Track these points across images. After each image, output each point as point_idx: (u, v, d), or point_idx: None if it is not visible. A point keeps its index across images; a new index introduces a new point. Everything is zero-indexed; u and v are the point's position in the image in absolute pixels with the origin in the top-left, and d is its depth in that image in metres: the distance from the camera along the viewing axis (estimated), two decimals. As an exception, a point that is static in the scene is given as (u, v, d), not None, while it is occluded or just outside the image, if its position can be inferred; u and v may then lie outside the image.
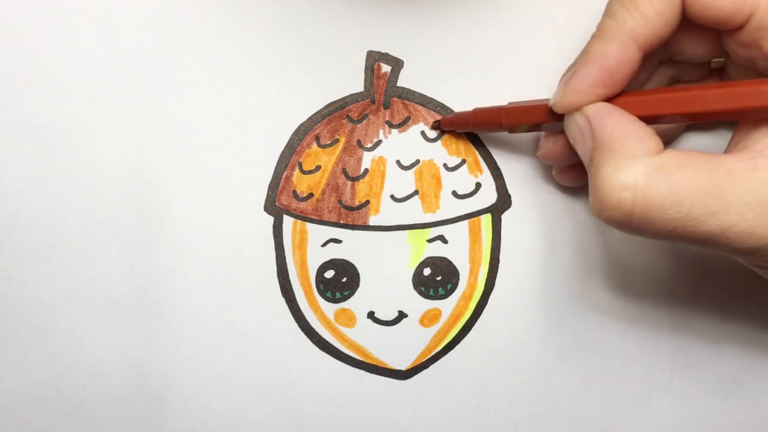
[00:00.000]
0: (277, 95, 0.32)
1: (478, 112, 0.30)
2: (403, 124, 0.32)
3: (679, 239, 0.24)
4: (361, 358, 0.33)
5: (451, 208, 0.32)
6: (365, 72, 0.32)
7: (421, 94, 0.32)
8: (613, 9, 0.25)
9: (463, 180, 0.32)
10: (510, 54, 0.32)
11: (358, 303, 0.33)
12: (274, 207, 0.32)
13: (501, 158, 0.32)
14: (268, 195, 0.32)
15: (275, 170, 0.32)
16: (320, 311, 0.33)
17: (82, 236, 0.32)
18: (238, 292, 0.32)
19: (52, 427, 0.33)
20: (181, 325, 0.32)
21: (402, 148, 0.32)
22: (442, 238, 0.32)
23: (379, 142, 0.32)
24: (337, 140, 0.32)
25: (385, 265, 0.32)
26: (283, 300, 0.33)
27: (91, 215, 0.32)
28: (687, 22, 0.25)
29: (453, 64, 0.32)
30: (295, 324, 0.33)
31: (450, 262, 0.33)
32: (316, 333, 0.33)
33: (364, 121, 0.32)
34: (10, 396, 0.33)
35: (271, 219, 0.32)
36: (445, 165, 0.32)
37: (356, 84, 0.32)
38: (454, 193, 0.32)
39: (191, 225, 0.32)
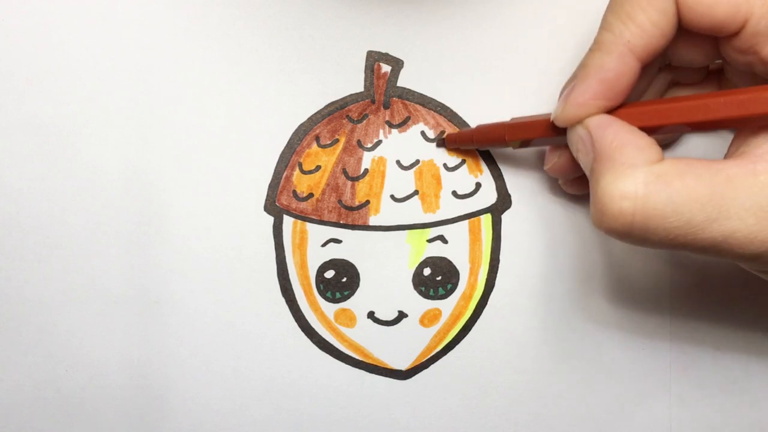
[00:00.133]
0: (277, 95, 0.32)
1: (481, 129, 0.31)
2: (403, 124, 0.32)
3: (681, 247, 0.23)
4: (361, 358, 0.33)
5: (451, 208, 0.32)
6: (365, 72, 0.32)
7: (421, 94, 0.32)
8: (609, 21, 0.25)
9: (463, 180, 0.32)
10: (510, 54, 0.32)
11: (358, 303, 0.33)
12: (274, 207, 0.32)
13: (501, 158, 0.32)
14: (268, 195, 0.32)
15: (275, 170, 0.32)
16: (320, 311, 0.33)
17: (82, 236, 0.32)
18: (238, 292, 0.32)
19: (52, 427, 0.33)
20: (181, 325, 0.32)
21: (402, 148, 0.32)
22: (442, 238, 0.32)
23: (379, 142, 0.32)
24: (337, 140, 0.32)
25: (385, 265, 0.32)
26: (283, 300, 0.33)
27: (91, 215, 0.32)
28: (683, 30, 0.25)
29: (453, 64, 0.32)
30: (295, 324, 0.33)
31: (450, 262, 0.33)
32: (316, 333, 0.33)
33: (364, 121, 0.32)
34: (10, 396, 0.33)
35: (271, 219, 0.32)
36: (445, 165, 0.32)
37: (356, 84, 0.32)
38: (454, 193, 0.32)
39: (191, 225, 0.32)
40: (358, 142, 0.32)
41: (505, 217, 0.32)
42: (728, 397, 0.33)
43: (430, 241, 0.32)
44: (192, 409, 0.33)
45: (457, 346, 0.33)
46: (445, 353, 0.33)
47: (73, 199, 0.32)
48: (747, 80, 0.27)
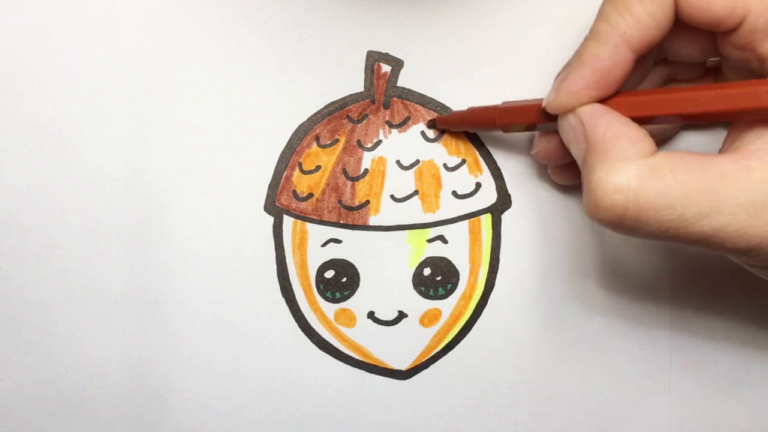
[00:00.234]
0: (277, 95, 0.32)
1: (473, 111, 0.31)
2: (403, 124, 0.32)
3: (672, 240, 0.24)
4: (361, 358, 0.33)
5: (451, 208, 0.32)
6: (365, 72, 0.32)
7: (421, 94, 0.32)
8: (606, 12, 0.25)
9: (463, 180, 0.32)
10: (510, 54, 0.32)
11: (358, 303, 0.33)
12: (274, 207, 0.32)
13: (501, 158, 0.32)
14: (268, 195, 0.32)
15: (275, 170, 0.32)
16: (320, 311, 0.33)
17: (82, 236, 0.32)
18: (238, 292, 0.32)
19: (52, 427, 0.33)
20: (181, 325, 0.32)
21: (402, 148, 0.32)
22: (442, 238, 0.32)
23: (379, 142, 0.32)
24: (337, 140, 0.32)
25: (385, 265, 0.32)
26: (283, 300, 0.33)
27: (91, 215, 0.32)
28: (681, 24, 0.25)
29: (453, 64, 0.32)
30: (295, 324, 0.33)
31: (450, 262, 0.33)
32: (316, 333, 0.33)
33: (364, 121, 0.32)
34: (10, 396, 0.33)
35: (271, 219, 0.32)
36: (445, 165, 0.32)
37: (356, 84, 0.32)
38: (454, 193, 0.32)
39: (191, 225, 0.32)
40: (358, 142, 0.32)
41: (505, 217, 0.32)
42: (728, 397, 0.33)
43: (430, 241, 0.32)
44: (192, 409, 0.33)
45: (457, 346, 0.33)
46: (445, 353, 0.33)
47: (73, 199, 0.32)
48: (744, 77, 0.27)
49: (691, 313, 0.33)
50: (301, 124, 0.32)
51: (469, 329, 0.33)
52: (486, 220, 0.32)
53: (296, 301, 0.33)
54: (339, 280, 0.33)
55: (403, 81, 0.32)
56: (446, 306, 0.33)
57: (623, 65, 0.25)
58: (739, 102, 0.23)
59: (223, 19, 0.32)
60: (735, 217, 0.23)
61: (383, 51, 0.32)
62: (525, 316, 0.33)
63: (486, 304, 0.33)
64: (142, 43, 0.32)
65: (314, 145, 0.32)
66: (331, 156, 0.32)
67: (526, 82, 0.32)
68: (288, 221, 0.32)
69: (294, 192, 0.32)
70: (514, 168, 0.32)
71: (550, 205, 0.32)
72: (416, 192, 0.32)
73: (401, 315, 0.33)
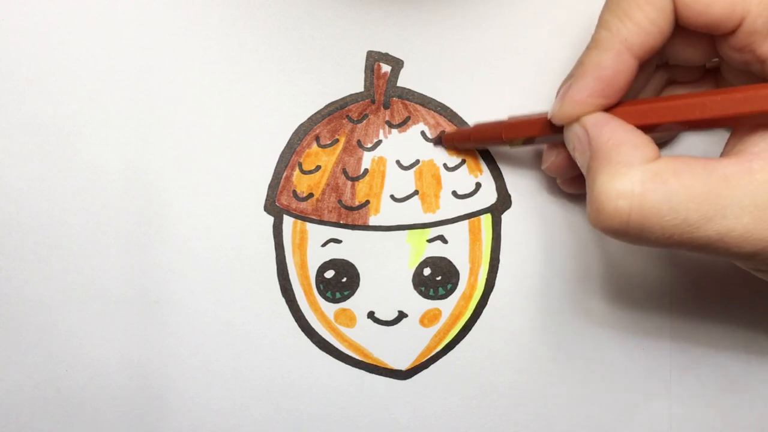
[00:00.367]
0: (277, 95, 0.32)
1: (479, 128, 0.31)
2: (403, 124, 0.32)
3: (677, 246, 0.23)
4: (361, 358, 0.33)
5: (451, 208, 0.32)
6: (365, 72, 0.32)
7: (421, 94, 0.32)
8: (606, 19, 0.25)
9: (463, 180, 0.32)
10: (510, 54, 0.32)
11: (358, 303, 0.33)
12: (274, 207, 0.32)
13: (501, 158, 0.32)
14: (268, 195, 0.32)
15: (275, 170, 0.32)
16: (320, 311, 0.33)
17: (82, 236, 0.32)
18: (238, 292, 0.32)
19: (52, 427, 0.33)
20: (181, 325, 0.32)
21: (402, 148, 0.32)
22: (442, 238, 0.32)
23: (379, 142, 0.32)
24: (337, 140, 0.32)
25: (385, 265, 0.32)
26: (283, 300, 0.33)
27: (91, 215, 0.32)
28: (681, 28, 0.25)
29: (453, 64, 0.32)
30: (295, 324, 0.33)
31: (450, 262, 0.33)
32: (316, 333, 0.33)
33: (364, 121, 0.32)
34: (10, 396, 0.33)
35: (271, 219, 0.32)
36: (445, 165, 0.32)
37: (356, 84, 0.32)
38: (454, 193, 0.32)
39: (191, 225, 0.32)
40: (358, 142, 0.32)
41: (505, 217, 0.32)
42: (728, 397, 0.33)
43: (430, 241, 0.32)
44: (192, 409, 0.33)
45: (457, 346, 0.33)
46: (445, 353, 0.33)
47: (73, 199, 0.32)
48: (743, 79, 0.27)
49: (691, 314, 0.33)
50: (301, 124, 0.32)
51: (469, 329, 0.33)
52: (486, 220, 0.32)
53: (296, 301, 0.33)
54: (339, 280, 0.33)
55: (403, 81, 0.32)
56: (446, 306, 0.33)
57: (627, 72, 0.25)
58: (744, 106, 0.23)
59: (223, 19, 0.32)
60: (739, 221, 0.22)
61: (383, 51, 0.32)
62: (525, 316, 0.33)
63: (486, 304, 0.33)
64: (142, 43, 0.32)
65: (314, 145, 0.32)
66: (331, 156, 0.32)
67: (526, 82, 0.32)
68: (288, 221, 0.32)
69: (294, 192, 0.32)
70: (514, 168, 0.32)
71: (550, 205, 0.32)
72: (416, 192, 0.32)
73: (401, 315, 0.33)
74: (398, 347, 0.33)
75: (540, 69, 0.32)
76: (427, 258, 0.32)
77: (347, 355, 0.33)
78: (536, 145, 0.30)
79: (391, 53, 0.32)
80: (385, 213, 0.32)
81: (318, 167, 0.32)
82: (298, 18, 0.32)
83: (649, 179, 0.23)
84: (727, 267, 0.32)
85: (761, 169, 0.23)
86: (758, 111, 0.23)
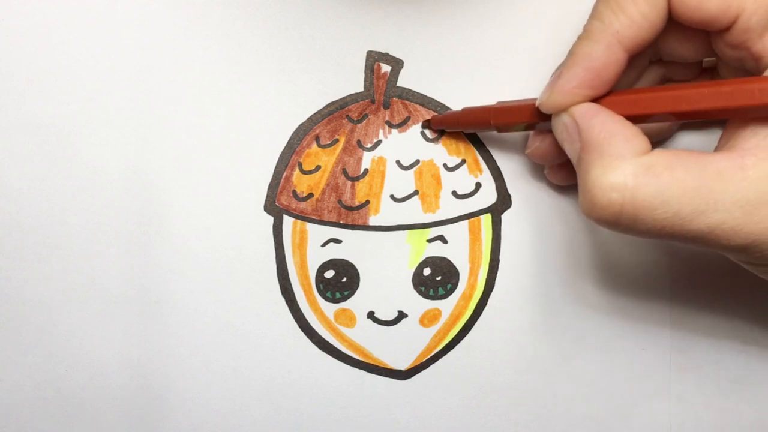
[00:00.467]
0: (277, 95, 0.32)
1: (467, 112, 0.31)
2: (403, 124, 0.32)
3: (669, 238, 0.24)
4: (361, 358, 0.33)
5: (451, 208, 0.32)
6: (365, 72, 0.32)
7: (421, 94, 0.32)
8: (599, 10, 0.25)
9: (463, 180, 0.32)
10: (510, 54, 0.32)
11: (358, 303, 0.33)
12: (274, 207, 0.32)
13: (501, 158, 0.32)
14: (268, 195, 0.32)
15: (275, 170, 0.32)
16: (320, 311, 0.33)
17: (82, 236, 0.32)
18: (238, 292, 0.32)
19: (52, 427, 0.33)
20: (181, 325, 0.32)
21: (402, 148, 0.32)
22: (442, 238, 0.32)
23: (379, 142, 0.32)
24: (337, 140, 0.32)
25: (385, 265, 0.32)
26: (283, 300, 0.33)
27: (91, 215, 0.32)
28: (675, 24, 0.25)
29: (453, 64, 0.32)
30: (295, 324, 0.33)
31: (450, 262, 0.33)
32: (316, 333, 0.33)
33: (364, 121, 0.32)
34: (10, 396, 0.33)
35: (271, 219, 0.32)
36: (444, 165, 0.32)
37: (356, 84, 0.32)
38: (454, 193, 0.32)
39: (191, 225, 0.32)
40: (358, 142, 0.32)
41: (505, 217, 0.32)
42: (728, 397, 0.33)
43: (430, 241, 0.32)
44: (192, 409, 0.33)
45: (457, 346, 0.33)
46: (445, 353, 0.33)
47: (73, 199, 0.32)
48: (739, 77, 0.27)
49: (691, 313, 0.33)
50: (301, 124, 0.32)
51: (469, 329, 0.33)
52: (486, 220, 0.32)
53: (296, 301, 0.33)
54: (339, 280, 0.33)
55: (403, 81, 0.32)
56: (446, 306, 0.33)
57: (616, 64, 0.25)
58: (733, 99, 0.23)
59: (223, 19, 0.32)
60: (730, 215, 0.23)
61: (383, 51, 0.32)
62: (525, 316, 0.33)
63: (486, 304, 0.33)
64: (142, 43, 0.32)
65: (314, 145, 0.32)
66: (331, 156, 0.32)
67: (525, 82, 0.32)
68: (288, 221, 0.32)
69: (294, 192, 0.32)
70: (514, 168, 0.32)
71: (550, 205, 0.32)
72: (416, 192, 0.32)
73: (401, 315, 0.33)
74: (398, 347, 0.33)
75: (540, 69, 0.32)
76: (427, 258, 0.32)
77: (347, 355, 0.33)
78: (525, 132, 0.30)
79: (391, 53, 0.32)
80: (385, 213, 0.32)
81: (318, 167, 0.32)
82: (298, 18, 0.32)
83: (641, 173, 0.23)
84: (728, 267, 0.32)
85: (753, 165, 0.23)
86: (749, 104, 0.23)
